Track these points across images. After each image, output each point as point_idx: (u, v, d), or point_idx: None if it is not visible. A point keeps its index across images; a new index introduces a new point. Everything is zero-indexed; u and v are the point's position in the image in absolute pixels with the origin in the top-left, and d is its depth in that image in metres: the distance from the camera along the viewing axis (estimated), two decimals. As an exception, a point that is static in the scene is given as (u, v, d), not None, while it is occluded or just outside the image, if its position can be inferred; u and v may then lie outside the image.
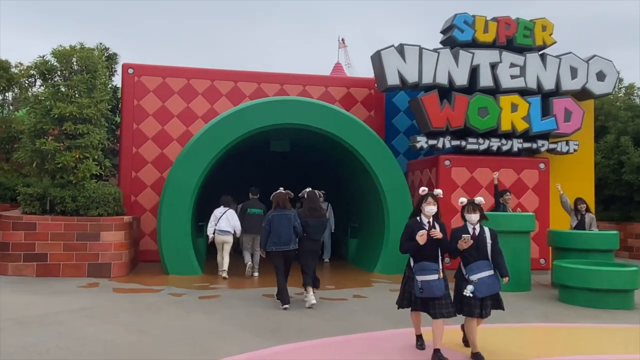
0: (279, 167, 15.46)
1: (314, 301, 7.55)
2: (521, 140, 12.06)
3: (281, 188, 8.04)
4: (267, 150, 13.37)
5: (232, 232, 10.24)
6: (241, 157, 14.30)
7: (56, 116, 10.25)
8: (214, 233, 10.18)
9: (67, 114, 10.21)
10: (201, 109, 12.44)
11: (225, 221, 10.27)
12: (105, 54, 12.68)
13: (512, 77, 11.91)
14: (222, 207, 10.46)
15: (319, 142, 12.24)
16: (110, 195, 10.39)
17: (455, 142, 11.80)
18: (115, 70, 12.81)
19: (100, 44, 12.59)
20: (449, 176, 11.76)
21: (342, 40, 51.51)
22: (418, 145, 11.69)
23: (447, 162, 11.78)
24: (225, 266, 10.23)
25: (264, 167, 15.85)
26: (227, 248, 10.38)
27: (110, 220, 10.10)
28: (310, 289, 7.63)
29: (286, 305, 7.40)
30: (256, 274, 10.46)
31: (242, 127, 10.63)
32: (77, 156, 10.44)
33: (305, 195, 7.94)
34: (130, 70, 12.24)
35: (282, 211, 7.55)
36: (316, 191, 7.97)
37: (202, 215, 13.26)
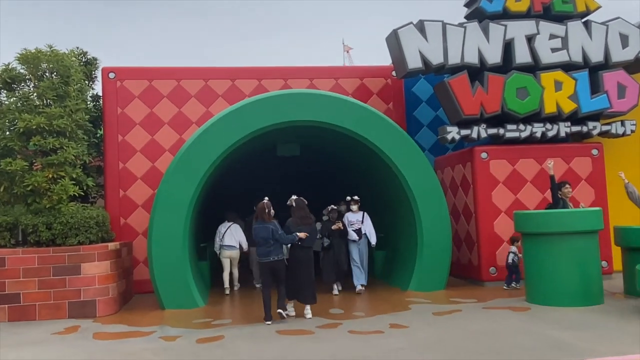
0: (290, 174, 13.81)
1: (309, 316, 7.54)
2: (569, 124, 10.29)
3: (265, 198, 7.75)
4: (275, 155, 11.73)
5: (238, 247, 10.19)
6: (246, 165, 12.67)
7: (22, 130, 8.71)
8: (220, 249, 10.27)
9: (35, 127, 8.66)
10: (195, 113, 10.84)
11: (229, 236, 10.24)
12: (83, 59, 11.16)
13: (553, 50, 10.17)
14: (226, 222, 10.39)
15: (334, 142, 10.58)
16: (92, 220, 8.79)
17: (492, 131, 10.07)
18: (95, 77, 11.28)
19: (77, 47, 11.09)
20: (487, 171, 10.01)
21: (347, 50, 49.48)
22: (449, 137, 9.97)
23: (483, 155, 10.04)
24: (235, 281, 10.54)
25: (273, 175, 14.22)
26: (235, 263, 10.43)
27: (92, 249, 8.49)
28: (307, 307, 7.61)
29: (268, 322, 7.27)
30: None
31: (241, 129, 9.02)
32: (50, 176, 8.88)
33: (293, 204, 7.84)
34: (112, 75, 10.70)
35: (262, 223, 7.45)
36: (302, 198, 7.94)
37: (205, 235, 11.66)
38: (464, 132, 9.98)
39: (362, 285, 9.47)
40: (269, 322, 7.24)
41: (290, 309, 7.72)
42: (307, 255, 7.59)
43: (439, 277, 9.42)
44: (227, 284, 10.15)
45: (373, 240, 9.66)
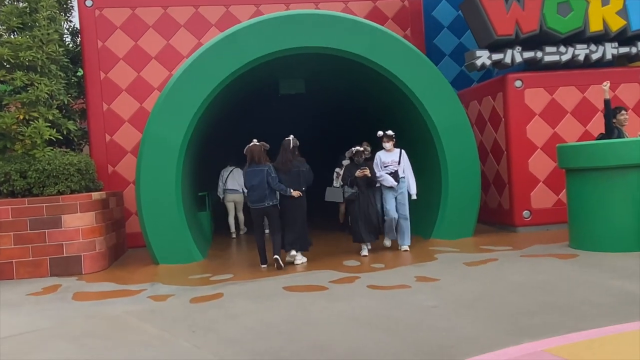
0: (295, 116, 12.59)
1: (298, 262, 7.08)
2: (615, 44, 8.88)
3: (254, 140, 7.10)
4: (278, 95, 10.48)
5: (241, 191, 9.75)
6: (246, 107, 11.47)
7: (-18, 64, 7.55)
8: (223, 193, 10.17)
9: (-4, 60, 7.48)
10: (185, 45, 9.55)
11: (232, 180, 10.08)
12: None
13: (600, -44, 8.65)
14: (228, 166, 10.19)
15: (344, 75, 9.31)
16: (73, 167, 7.72)
17: (528, 54, 8.70)
18: (72, 7, 9.93)
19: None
20: (522, 101, 8.72)
21: None
22: (478, 62, 8.62)
23: (518, 83, 8.72)
24: (241, 225, 10.42)
25: (276, 119, 13.01)
26: (239, 207, 10.25)
27: (73, 199, 7.46)
28: (295, 252, 7.12)
29: (264, 266, 7.00)
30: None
31: (236, 58, 7.77)
32: (22, 117, 7.76)
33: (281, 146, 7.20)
34: (89, 2, 9.36)
35: (256, 166, 6.89)
36: (291, 139, 7.11)
37: (205, 184, 10.63)
38: (496, 56, 8.62)
39: (407, 245, 7.56)
40: (264, 266, 7.00)
41: (299, 258, 7.22)
42: (294, 201, 6.97)
43: (466, 223, 8.34)
44: (232, 228, 10.34)
45: (413, 191, 7.56)
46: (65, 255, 7.41)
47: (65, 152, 8.10)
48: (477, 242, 7.98)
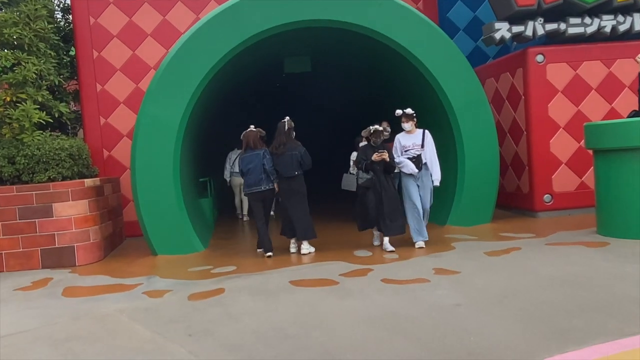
0: (301, 97, 12.03)
1: (304, 251, 6.68)
2: (645, 15, 8.24)
3: (252, 126, 6.89)
4: (283, 74, 9.93)
5: None
6: (250, 88, 10.92)
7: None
8: (230, 176, 10.04)
9: (-22, 37, 6.96)
10: (183, 21, 8.97)
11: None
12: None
13: None
14: (235, 149, 9.69)
15: (353, 51, 8.74)
16: (64, 152, 7.25)
17: (551, 26, 8.07)
18: (62, -19, 9.37)
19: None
20: (543, 77, 8.13)
21: None
22: (497, 35, 8.01)
23: (539, 58, 8.11)
24: (245, 210, 10.16)
25: (282, 99, 12.47)
26: None
27: (64, 186, 7.00)
28: (303, 242, 6.72)
29: (269, 253, 6.67)
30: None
31: (238, 33, 7.21)
32: (8, 99, 7.26)
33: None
34: (79, -24, 8.77)
35: (252, 151, 6.69)
36: (286, 120, 6.72)
37: (208, 170, 10.16)
38: (516, 29, 8.01)
39: (422, 241, 6.60)
40: (270, 254, 6.66)
41: (292, 246, 6.92)
42: (291, 185, 6.64)
43: (484, 208, 7.82)
44: (239, 210, 10.41)
45: (436, 176, 6.56)
46: (57, 246, 6.97)
47: (56, 136, 7.60)
48: (496, 229, 7.47)
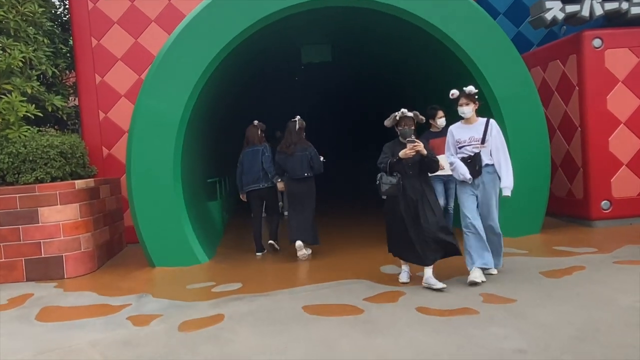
0: (320, 90, 11.09)
1: (303, 252, 6.21)
2: None
3: (255, 121, 6.78)
4: (300, 64, 8.99)
5: None
6: (264, 78, 10.01)
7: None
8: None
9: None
10: (190, 5, 7.97)
11: None
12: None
13: None
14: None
15: (380, 38, 7.74)
16: (54, 149, 6.43)
17: (611, 6, 6.94)
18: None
19: None
20: (601, 65, 7.00)
21: None
22: (548, 16, 6.91)
23: (597, 42, 6.98)
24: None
25: (300, 93, 11.55)
26: None
27: (51, 188, 6.18)
28: (300, 245, 6.22)
29: (259, 254, 6.64)
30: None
31: (247, 13, 6.28)
32: (-8, 90, 6.48)
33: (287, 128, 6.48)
34: (77, -44, 7.96)
35: (253, 147, 6.60)
36: (297, 120, 6.37)
37: (217, 169, 9.29)
38: (571, 8, 6.89)
39: (480, 270, 4.80)
40: (260, 254, 6.63)
41: (307, 250, 6.37)
42: (301, 188, 6.28)
43: (532, 216, 6.75)
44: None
45: (506, 183, 4.74)
46: (43, 256, 6.16)
47: (45, 132, 6.80)
48: (547, 241, 6.39)
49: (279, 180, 6.46)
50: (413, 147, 4.59)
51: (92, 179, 6.83)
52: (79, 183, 6.42)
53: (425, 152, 4.63)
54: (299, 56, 8.63)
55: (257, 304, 4.62)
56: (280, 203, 7.94)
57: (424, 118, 4.99)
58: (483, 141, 4.73)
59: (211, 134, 8.92)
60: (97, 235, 6.72)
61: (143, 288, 5.47)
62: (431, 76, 7.84)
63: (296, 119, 6.37)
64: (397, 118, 4.77)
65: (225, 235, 8.31)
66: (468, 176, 4.75)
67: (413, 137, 4.73)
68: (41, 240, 6.15)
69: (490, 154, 4.75)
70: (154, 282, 5.73)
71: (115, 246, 7.52)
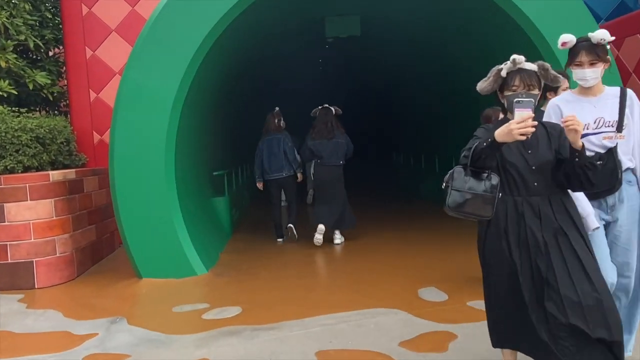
0: (347, 73, 9.88)
1: (337, 241, 6.33)
2: None
3: (276, 108, 6.67)
4: (323, 39, 7.77)
5: None
6: (284, 55, 8.83)
7: None
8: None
9: None
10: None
11: None
12: None
13: None
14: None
15: (421, 7, 6.46)
16: (27, 134, 5.40)
17: None
18: None
19: None
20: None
21: None
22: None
23: (694, 10, 5.57)
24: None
25: (321, 76, 10.34)
26: None
27: (20, 180, 5.14)
28: (337, 232, 6.35)
29: (280, 240, 6.65)
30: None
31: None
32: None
33: (317, 114, 6.41)
34: None
35: (272, 135, 6.50)
36: (333, 108, 6.35)
37: (227, 160, 8.20)
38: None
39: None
40: (281, 240, 6.68)
41: (338, 236, 6.43)
42: (333, 174, 6.29)
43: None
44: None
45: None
46: (10, 261, 5.15)
47: (19, 113, 5.75)
48: None
49: (301, 171, 6.61)
50: (525, 122, 2.14)
51: (73, 170, 5.78)
52: (55, 174, 5.36)
53: (579, 142, 2.26)
54: (323, 30, 7.40)
55: (254, 343, 3.47)
56: (311, 191, 7.33)
57: (558, 76, 2.45)
58: (620, 127, 2.66)
59: (219, 120, 7.80)
60: (78, 236, 5.67)
61: (120, 308, 4.38)
62: (488, 56, 6.52)
63: (327, 107, 6.35)
64: (504, 73, 2.42)
65: (233, 236, 7.20)
66: (593, 222, 2.53)
67: (531, 106, 2.22)
68: (7, 243, 5.13)
69: (633, 151, 2.67)
70: (135, 300, 4.64)
71: (105, 248, 6.48)
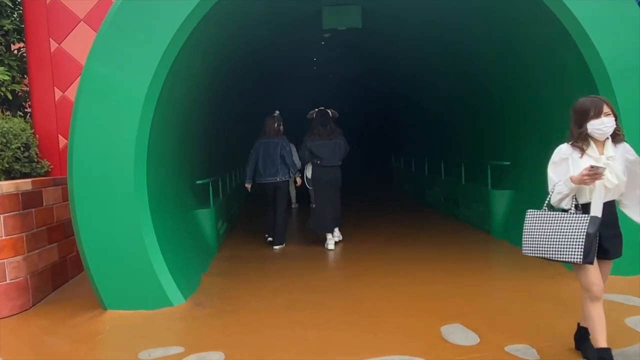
0: (348, 70, 9.15)
1: (333, 243, 6.33)
2: None
3: (276, 112, 6.60)
4: (321, 33, 6.99)
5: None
6: (278, 51, 8.04)
7: None
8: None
9: None
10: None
11: None
12: None
13: None
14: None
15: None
16: (-28, 136, 4.53)
17: None
18: None
19: None
20: None
21: None
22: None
23: None
24: (293, 199, 9.21)
25: (318, 77, 9.58)
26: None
27: (-42, 194, 4.28)
28: (329, 234, 6.36)
29: (270, 238, 6.62)
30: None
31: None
32: None
33: (314, 116, 6.43)
34: None
35: (269, 139, 6.42)
36: (330, 110, 6.43)
37: (212, 166, 7.40)
38: None
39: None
40: (271, 239, 6.62)
41: (332, 239, 6.40)
42: (331, 176, 6.33)
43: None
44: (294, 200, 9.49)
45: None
46: (-53, 290, 4.28)
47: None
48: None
49: (300, 175, 6.58)
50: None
51: (28, 180, 4.92)
52: (5, 185, 4.51)
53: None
54: (319, 21, 6.61)
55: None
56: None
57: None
58: None
59: (205, 121, 6.98)
60: (35, 258, 4.82)
61: (73, 354, 3.54)
62: (513, 47, 5.73)
63: (324, 109, 6.37)
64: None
65: (219, 254, 6.36)
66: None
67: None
68: (-55, 268, 4.27)
69: None
70: (95, 342, 3.79)
71: (70, 269, 5.62)
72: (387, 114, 13.20)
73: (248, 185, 6.61)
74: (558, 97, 5.19)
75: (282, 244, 6.54)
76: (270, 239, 6.67)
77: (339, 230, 6.61)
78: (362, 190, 12.48)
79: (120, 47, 4.26)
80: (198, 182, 6.21)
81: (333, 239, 6.35)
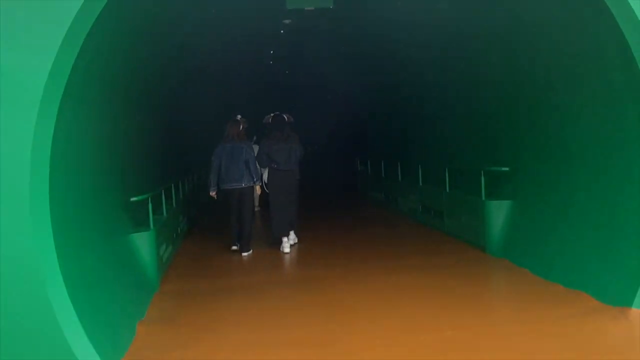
0: (319, 57, 8.18)
1: (288, 246, 6.42)
2: None
3: (239, 115, 6.57)
4: (284, 11, 5.89)
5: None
6: (234, 35, 6.90)
7: None
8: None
9: None
10: None
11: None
12: None
13: None
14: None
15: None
16: None
17: None
18: None
19: None
20: None
21: None
22: None
23: None
24: (255, 201, 8.34)
25: (286, 61, 8.53)
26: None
27: None
28: (285, 237, 6.45)
29: (234, 247, 6.49)
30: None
31: None
32: None
33: (269, 121, 6.54)
34: None
35: (232, 144, 6.33)
36: (285, 115, 6.51)
37: (153, 178, 6.17)
38: None
39: None
40: (236, 247, 6.47)
41: (287, 242, 6.43)
42: (287, 180, 6.38)
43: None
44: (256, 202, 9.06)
45: None
46: None
47: None
48: None
49: (260, 183, 6.55)
50: None
51: None
52: None
53: None
54: (282, 1, 5.48)
55: None
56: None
57: None
58: None
59: (142, 124, 5.72)
60: None
61: None
62: (534, 41, 4.79)
63: (279, 113, 6.40)
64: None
65: (161, 288, 5.09)
66: None
67: None
68: None
69: None
70: None
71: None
72: (354, 113, 12.24)
73: (213, 193, 6.43)
74: (582, 87, 4.28)
75: (249, 250, 6.38)
76: (235, 247, 6.49)
77: (294, 232, 6.67)
78: (326, 197, 11.44)
79: (7, 26, 2.99)
80: (133, 199, 4.93)
81: (288, 242, 6.43)
